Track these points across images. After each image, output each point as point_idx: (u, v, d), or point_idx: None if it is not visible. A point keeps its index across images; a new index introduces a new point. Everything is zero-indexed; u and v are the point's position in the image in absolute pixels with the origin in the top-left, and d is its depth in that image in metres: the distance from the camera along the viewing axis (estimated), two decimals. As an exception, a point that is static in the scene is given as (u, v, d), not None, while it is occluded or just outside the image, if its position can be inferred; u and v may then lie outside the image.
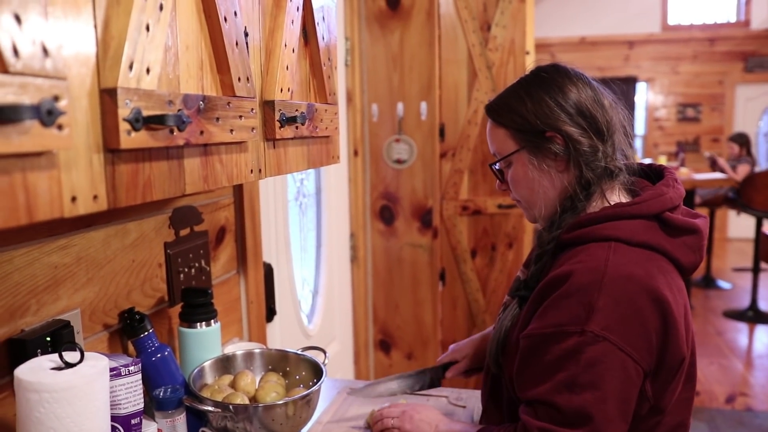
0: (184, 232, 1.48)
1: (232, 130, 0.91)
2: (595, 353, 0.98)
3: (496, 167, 1.23)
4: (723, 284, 6.44)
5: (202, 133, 0.83)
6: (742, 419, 3.59)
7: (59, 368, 0.88)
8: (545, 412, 1.01)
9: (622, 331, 0.98)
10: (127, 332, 1.25)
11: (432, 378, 1.42)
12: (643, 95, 8.67)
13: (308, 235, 2.57)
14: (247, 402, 1.24)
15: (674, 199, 1.11)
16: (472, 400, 1.51)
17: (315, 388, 1.25)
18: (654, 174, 1.21)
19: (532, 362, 1.05)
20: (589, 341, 0.98)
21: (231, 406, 1.18)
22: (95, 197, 0.67)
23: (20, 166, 0.57)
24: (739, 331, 5.10)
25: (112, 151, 0.69)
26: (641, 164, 1.21)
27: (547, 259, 1.14)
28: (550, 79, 1.15)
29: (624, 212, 1.08)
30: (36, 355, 0.99)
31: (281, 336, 2.14)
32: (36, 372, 0.87)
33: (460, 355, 1.43)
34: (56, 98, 0.58)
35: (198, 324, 1.35)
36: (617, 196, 1.14)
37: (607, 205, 1.12)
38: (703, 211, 5.05)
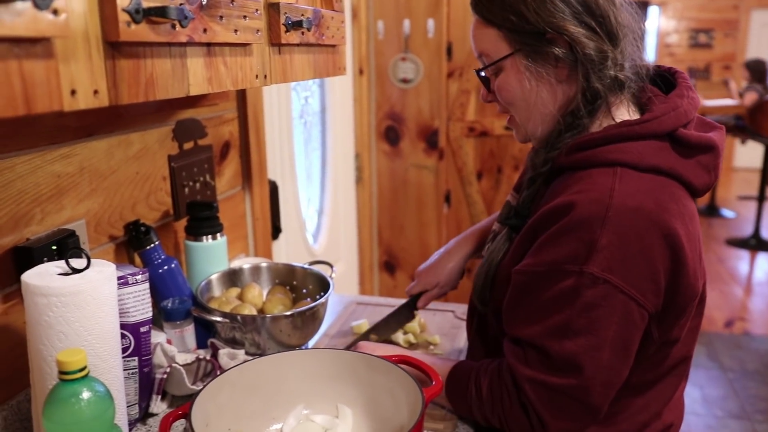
0: (187, 146, 1.45)
1: (236, 31, 0.87)
2: (593, 296, 0.88)
3: (483, 74, 1.05)
4: (727, 213, 6.44)
5: (205, 31, 0.80)
6: (739, 343, 3.66)
7: (66, 274, 0.88)
8: (535, 357, 0.93)
9: (626, 271, 0.88)
10: (133, 244, 1.24)
11: (406, 315, 1.37)
12: (655, 20, 8.40)
13: (313, 155, 2.54)
14: (255, 313, 1.25)
15: (689, 113, 0.97)
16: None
17: (322, 300, 1.26)
18: (665, 79, 1.05)
19: (526, 301, 0.95)
20: (588, 283, 0.88)
21: (239, 317, 1.19)
22: (96, 92, 0.64)
23: (15, 52, 0.54)
24: (741, 259, 5.14)
25: (112, 44, 0.66)
26: (650, 68, 1.04)
27: (540, 183, 1.03)
28: None
29: (631, 132, 0.94)
30: (42, 263, 0.98)
31: (287, 254, 2.14)
32: (43, 277, 0.86)
33: (430, 283, 1.34)
34: (50, -20, 0.55)
35: (204, 237, 1.35)
36: (625, 112, 1.00)
37: (612, 123, 0.98)
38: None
